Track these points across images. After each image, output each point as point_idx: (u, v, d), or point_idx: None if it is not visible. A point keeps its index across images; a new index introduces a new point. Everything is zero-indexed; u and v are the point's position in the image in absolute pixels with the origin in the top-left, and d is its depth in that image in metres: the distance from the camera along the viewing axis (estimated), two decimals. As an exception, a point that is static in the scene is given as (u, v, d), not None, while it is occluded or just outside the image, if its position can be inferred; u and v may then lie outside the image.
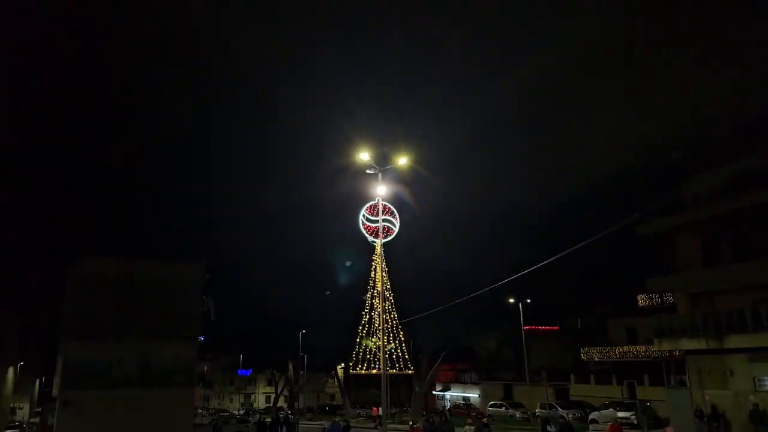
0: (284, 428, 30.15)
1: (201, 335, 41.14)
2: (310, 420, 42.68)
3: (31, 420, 50.13)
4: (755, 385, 22.51)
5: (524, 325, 38.03)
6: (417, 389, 42.47)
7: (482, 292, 25.30)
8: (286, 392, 59.25)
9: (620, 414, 29.93)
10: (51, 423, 34.53)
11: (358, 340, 13.20)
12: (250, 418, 38.76)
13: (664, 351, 26.08)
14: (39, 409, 42.87)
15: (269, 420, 31.68)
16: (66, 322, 37.61)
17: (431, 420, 19.42)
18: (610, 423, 19.77)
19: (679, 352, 25.28)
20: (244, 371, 79.93)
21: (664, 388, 27.18)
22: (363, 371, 13.15)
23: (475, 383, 54.41)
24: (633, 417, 28.80)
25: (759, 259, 22.06)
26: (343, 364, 48.75)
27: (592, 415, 30.75)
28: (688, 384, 25.06)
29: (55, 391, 37.07)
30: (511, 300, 37.77)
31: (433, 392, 57.88)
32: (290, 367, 55.42)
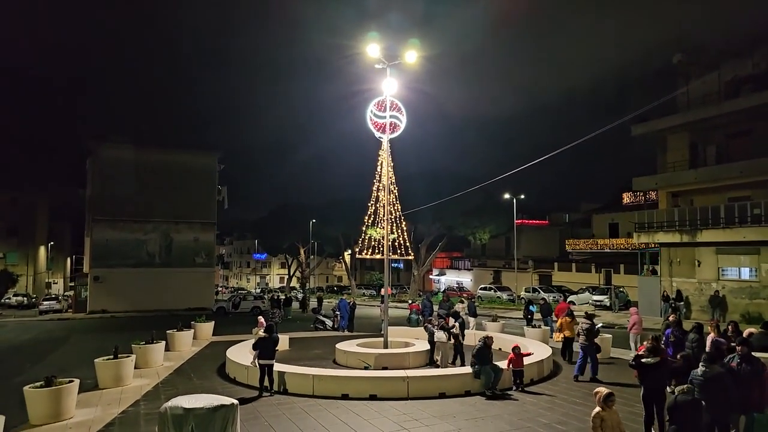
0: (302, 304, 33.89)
1: (217, 221, 44.02)
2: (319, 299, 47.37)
3: (66, 293, 54.76)
4: (718, 275, 25.22)
5: (516, 219, 40.59)
6: (416, 273, 46.30)
7: (478, 187, 27.04)
8: (298, 274, 63.73)
9: (595, 297, 33.50)
10: (84, 296, 38.01)
11: (364, 228, 14.80)
12: (266, 296, 42.65)
13: (641, 243, 28.53)
14: (72, 284, 46.79)
15: (282, 297, 35.34)
16: (90, 205, 40.00)
17: (429, 298, 22.27)
18: (561, 301, 22.45)
19: (655, 245, 27.74)
20: (259, 255, 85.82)
21: (638, 276, 30.14)
22: (368, 256, 14.96)
23: (468, 269, 58.92)
24: (606, 300, 32.30)
25: (739, 161, 23.55)
26: (350, 250, 52.21)
27: (570, 298, 34.24)
28: (659, 273, 27.91)
29: (86, 268, 40.59)
30: (506, 195, 39.91)
31: (430, 276, 62.69)
32: (301, 252, 59.07)
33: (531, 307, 21.04)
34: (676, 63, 26.87)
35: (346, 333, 20.52)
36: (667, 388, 8.68)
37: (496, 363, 10.71)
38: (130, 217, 38.82)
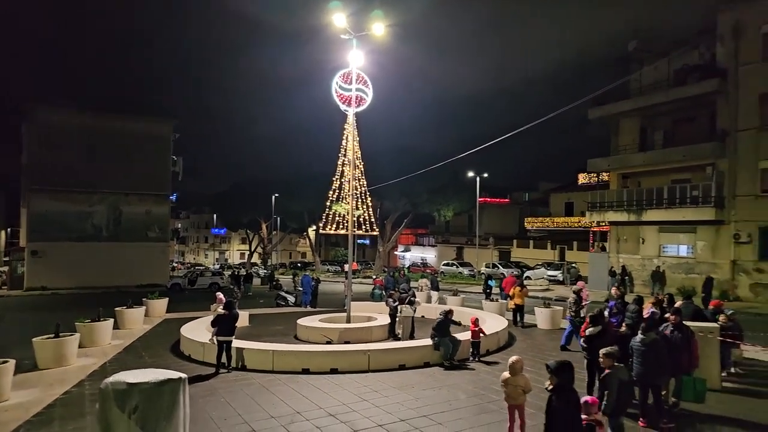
0: (272, 281, 33.51)
1: (172, 193, 42.17)
2: (282, 275, 46.88)
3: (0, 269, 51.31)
4: (660, 252, 26.78)
5: (479, 197, 41.54)
6: (381, 249, 46.85)
7: (444, 165, 27.43)
8: (260, 250, 62.77)
9: (549, 272, 34.94)
10: (21, 272, 35.22)
11: (328, 204, 14.79)
12: (225, 272, 41.82)
13: (593, 222, 29.84)
14: (7, 259, 42.34)
15: (242, 273, 35.03)
16: (27, 173, 36.80)
17: (392, 274, 22.79)
18: (507, 275, 23.43)
19: (605, 223, 29.10)
20: (218, 230, 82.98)
21: (588, 253, 31.60)
22: (332, 232, 15.03)
23: (432, 246, 60.13)
24: (560, 275, 33.79)
25: (683, 146, 24.89)
26: (314, 226, 51.96)
27: (527, 273, 35.58)
28: (608, 249, 29.36)
29: (22, 242, 37.65)
30: (470, 174, 40.72)
31: (395, 252, 63.50)
32: (263, 227, 58.17)
33: (490, 282, 21.80)
34: (632, 50, 27.88)
35: (309, 309, 20.62)
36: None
37: (454, 335, 11.20)
38: (73, 188, 35.91)
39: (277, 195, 50.46)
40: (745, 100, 22.76)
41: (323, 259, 64.34)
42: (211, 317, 11.96)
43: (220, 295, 14.17)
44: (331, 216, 14.49)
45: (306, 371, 10.27)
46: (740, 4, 23.17)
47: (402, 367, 10.59)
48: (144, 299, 18.47)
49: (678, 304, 10.35)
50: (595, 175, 37.60)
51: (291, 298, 22.86)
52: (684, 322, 8.45)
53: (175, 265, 63.43)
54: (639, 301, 11.02)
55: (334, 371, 10.25)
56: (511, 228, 52.91)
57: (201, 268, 49.79)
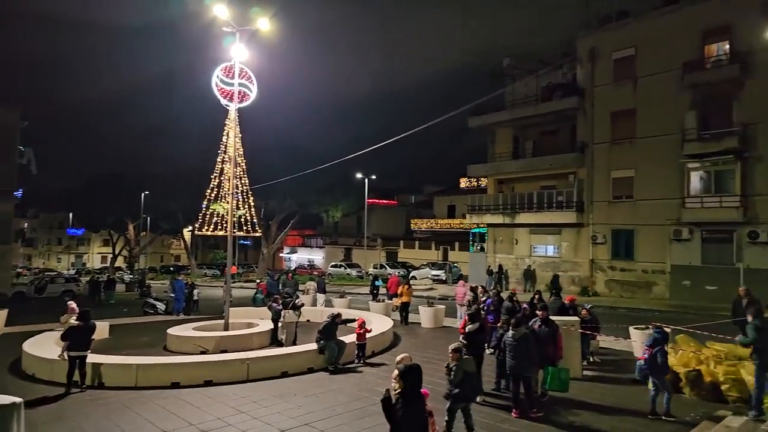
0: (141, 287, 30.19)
1: (18, 189, 36.37)
2: (152, 280, 42.95)
3: None
4: (531, 252, 29.13)
5: (367, 198, 41.98)
6: (265, 252, 45.02)
7: (331, 165, 27.12)
8: (125, 253, 56.86)
9: (433, 272, 36.34)
10: None
11: (205, 203, 13.79)
12: (82, 278, 37.23)
13: (473, 223, 31.65)
14: None
15: (103, 279, 31.51)
16: None
17: (276, 277, 21.92)
18: (392, 275, 24.11)
19: (483, 225, 31.01)
20: (74, 231, 72.77)
21: (468, 253, 33.43)
22: (210, 233, 14.03)
23: (320, 247, 59.45)
24: (443, 274, 35.30)
25: (549, 155, 27.39)
26: (190, 227, 48.24)
27: (413, 273, 36.64)
28: (486, 250, 31.30)
29: None
30: (359, 175, 40.95)
31: (281, 254, 61.77)
32: (130, 228, 52.88)
33: (377, 282, 21.95)
34: (506, 66, 30.10)
35: (182, 317, 19.09)
36: (486, 350, 9.79)
37: (340, 338, 10.97)
38: None
39: (146, 193, 46.34)
40: (600, 117, 25.60)
41: (200, 262, 60.53)
42: (61, 329, 10.43)
43: (72, 303, 12.39)
44: (208, 216, 13.51)
45: (176, 385, 9.39)
46: (595, 32, 26.05)
47: (285, 375, 10.16)
48: (-23, 311, 15.73)
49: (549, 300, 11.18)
50: (475, 179, 39.98)
51: (161, 306, 20.84)
52: (551, 317, 9.09)
53: (20, 270, 55.45)
54: (512, 298, 11.73)
55: (208, 383, 9.51)
56: (399, 229, 54.37)
57: (52, 273, 43.48)
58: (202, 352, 11.64)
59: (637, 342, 11.15)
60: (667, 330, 8.39)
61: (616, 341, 12.29)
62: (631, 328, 11.70)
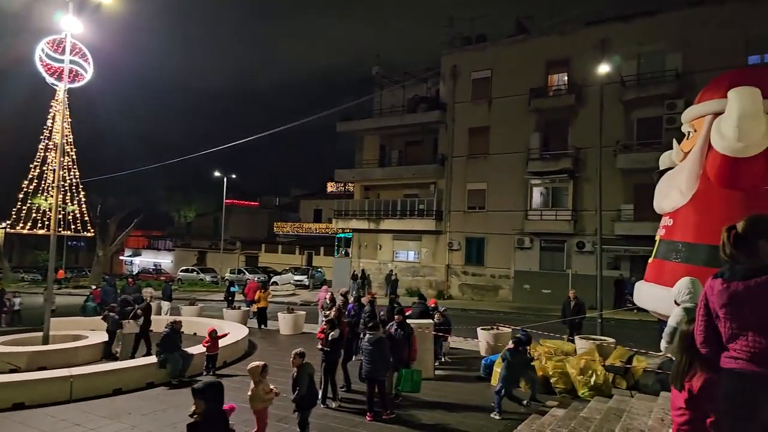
0: None
1: None
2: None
3: None
4: (393, 257, 30.05)
5: (226, 198, 39.76)
6: (101, 254, 39.86)
7: (184, 160, 25.16)
8: None
9: (296, 277, 35.62)
10: None
11: (21, 196, 11.74)
12: None
13: (339, 228, 31.74)
14: None
15: None
16: None
17: (112, 283, 19.38)
18: (250, 281, 22.90)
19: (349, 230, 31.26)
20: None
21: (333, 258, 33.41)
22: (27, 231, 11.98)
23: (169, 250, 54.57)
24: (305, 279, 34.76)
25: (413, 165, 28.63)
26: (3, 223, 40.86)
27: (274, 278, 35.49)
28: (351, 255, 31.55)
29: None
30: (217, 173, 38.61)
31: (121, 257, 55.49)
32: None
33: (232, 288, 20.73)
34: (375, 75, 30.86)
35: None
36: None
37: (186, 349, 10.02)
38: None
39: None
40: (459, 132, 27.42)
41: (15, 265, 51.96)
42: None
43: None
44: (26, 211, 11.51)
45: (-28, 413, 7.73)
46: (457, 51, 27.93)
47: (118, 392, 9.00)
48: None
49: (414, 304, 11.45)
50: (342, 184, 40.22)
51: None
52: (407, 320, 9.27)
53: None
54: (372, 303, 11.79)
55: (19, 407, 8.05)
56: (260, 232, 52.41)
57: None
58: (12, 371, 9.80)
59: (483, 342, 11.96)
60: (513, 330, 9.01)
61: (466, 341, 13.04)
62: (478, 329, 12.50)
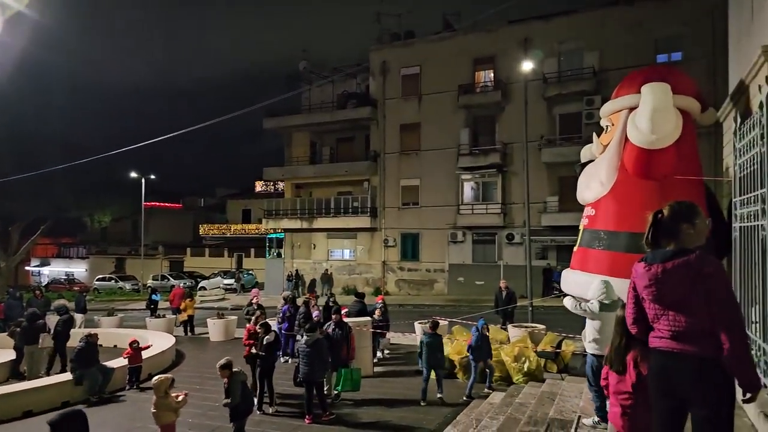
0: None
1: None
2: None
3: None
4: (328, 256, 29.66)
5: (146, 201, 37.46)
6: (3, 265, 36.21)
7: (95, 160, 23.29)
8: None
9: (225, 281, 34.30)
10: None
11: None
12: None
13: (270, 228, 30.86)
14: None
15: None
16: None
17: (16, 295, 17.57)
18: (176, 287, 21.48)
19: (280, 230, 30.47)
20: None
21: (265, 259, 32.45)
22: None
23: (82, 257, 50.66)
24: (235, 283, 33.55)
25: (346, 162, 28.39)
26: None
27: (202, 283, 33.98)
28: (283, 255, 30.77)
29: None
30: (134, 174, 36.24)
31: (27, 268, 50.88)
32: None
33: (154, 296, 19.40)
34: (302, 70, 30.26)
35: None
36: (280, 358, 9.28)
37: (105, 363, 9.24)
38: None
39: None
40: (390, 129, 27.50)
41: None
42: None
43: None
44: None
45: None
46: (386, 47, 27.99)
47: (29, 414, 8.23)
48: None
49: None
50: (271, 183, 39.15)
51: None
52: (344, 320, 9.09)
53: None
54: (307, 304, 11.49)
55: None
56: (185, 235, 49.87)
57: None
58: None
59: (421, 335, 11.99)
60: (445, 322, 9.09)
61: (404, 336, 13.05)
62: (416, 323, 12.54)
